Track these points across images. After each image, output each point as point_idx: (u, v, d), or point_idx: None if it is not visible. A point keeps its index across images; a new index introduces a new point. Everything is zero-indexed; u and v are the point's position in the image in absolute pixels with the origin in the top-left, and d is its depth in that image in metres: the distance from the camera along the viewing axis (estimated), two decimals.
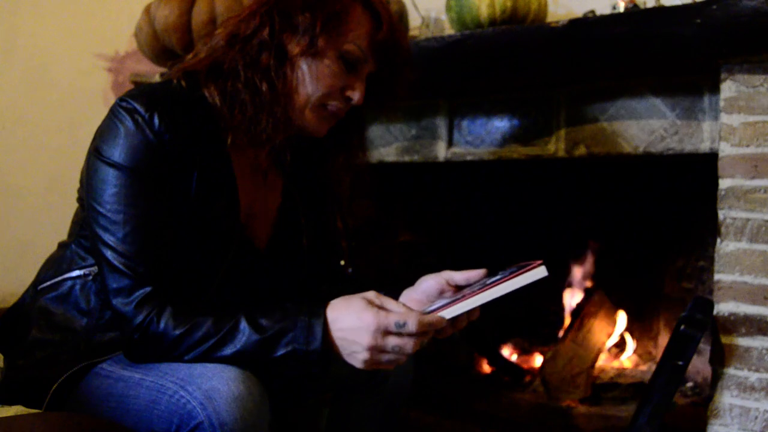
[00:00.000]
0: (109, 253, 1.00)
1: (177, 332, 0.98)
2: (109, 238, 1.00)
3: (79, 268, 1.11)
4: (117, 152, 1.01)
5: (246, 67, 1.07)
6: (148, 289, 0.99)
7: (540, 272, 0.93)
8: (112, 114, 1.04)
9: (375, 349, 0.95)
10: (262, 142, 1.11)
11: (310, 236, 1.25)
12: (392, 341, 0.95)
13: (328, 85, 1.09)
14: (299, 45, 1.07)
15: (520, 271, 0.94)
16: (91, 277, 1.10)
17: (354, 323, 0.96)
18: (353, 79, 1.12)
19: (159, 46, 1.87)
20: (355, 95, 1.12)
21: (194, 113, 1.06)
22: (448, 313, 0.97)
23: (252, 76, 1.07)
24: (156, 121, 1.01)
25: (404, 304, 0.99)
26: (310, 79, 1.09)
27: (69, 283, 1.11)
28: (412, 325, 0.94)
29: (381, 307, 0.97)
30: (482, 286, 1.00)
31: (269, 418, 0.97)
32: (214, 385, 0.93)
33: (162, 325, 0.98)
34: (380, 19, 1.11)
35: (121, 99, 1.04)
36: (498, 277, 1.01)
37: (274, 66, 1.07)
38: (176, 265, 1.04)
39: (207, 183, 1.07)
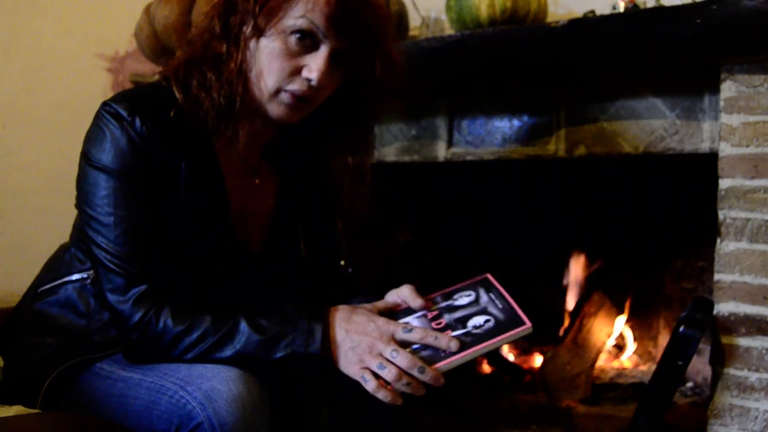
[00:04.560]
0: (102, 255, 1.01)
1: (176, 331, 0.98)
2: (101, 241, 1.01)
3: (78, 272, 1.12)
4: (104, 156, 1.01)
5: (200, 59, 1.07)
6: (143, 287, 1.00)
7: (528, 329, 0.98)
8: (98, 119, 1.04)
9: (375, 348, 0.97)
10: (221, 132, 1.09)
11: (307, 238, 1.25)
12: (392, 347, 0.96)
13: (280, 66, 1.05)
14: (246, 29, 1.05)
15: (509, 332, 0.98)
16: (89, 281, 1.10)
17: (363, 322, 0.99)
18: (309, 57, 1.05)
19: (159, 46, 1.87)
20: (312, 74, 1.05)
21: (180, 114, 1.06)
22: (443, 367, 0.97)
23: (202, 66, 1.07)
24: (138, 123, 1.02)
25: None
26: (263, 63, 1.05)
27: (69, 287, 1.12)
28: (416, 333, 0.98)
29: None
30: (437, 309, 1.05)
31: (269, 419, 0.97)
32: (214, 385, 0.93)
33: (161, 323, 0.98)
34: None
35: (104, 104, 1.04)
36: (454, 302, 1.06)
37: (227, 55, 1.06)
38: (170, 266, 1.04)
39: (195, 183, 1.07)
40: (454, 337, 0.97)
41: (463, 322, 1.01)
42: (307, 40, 1.05)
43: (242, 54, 1.06)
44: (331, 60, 1.06)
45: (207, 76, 1.06)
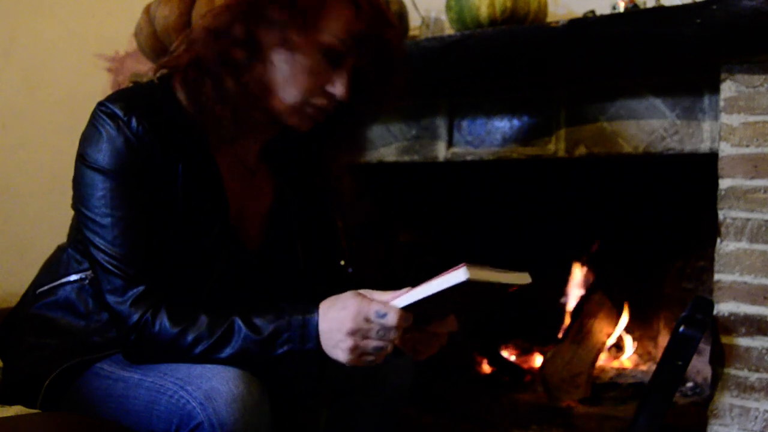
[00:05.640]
0: (100, 256, 1.01)
1: (173, 332, 0.98)
2: (99, 242, 1.01)
3: (76, 272, 1.12)
4: (100, 156, 1.01)
5: (215, 63, 1.04)
6: (141, 288, 1.00)
7: (460, 275, 0.90)
8: (93, 119, 1.04)
9: (357, 335, 0.94)
10: (229, 140, 1.09)
11: (304, 236, 1.25)
12: (375, 328, 0.94)
13: (307, 82, 1.06)
14: (272, 39, 1.04)
15: (442, 274, 0.92)
16: (87, 281, 1.10)
17: (337, 312, 0.96)
18: (334, 74, 1.07)
19: (159, 46, 1.87)
20: (337, 90, 1.07)
21: (175, 113, 1.06)
22: (401, 300, 0.95)
23: (219, 72, 1.04)
24: (134, 123, 1.01)
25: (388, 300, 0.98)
26: (287, 76, 1.05)
27: (67, 288, 1.12)
28: (391, 318, 0.93)
29: (365, 297, 0.96)
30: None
31: (269, 419, 0.97)
32: (214, 385, 0.93)
33: (157, 326, 0.98)
34: (360, 8, 1.07)
35: (100, 104, 1.04)
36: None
37: (246, 62, 1.04)
38: (168, 267, 1.04)
39: (192, 184, 1.06)
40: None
41: None
42: (334, 57, 1.06)
43: (267, 65, 1.05)
44: (352, 75, 1.09)
45: (225, 84, 1.05)
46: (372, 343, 0.95)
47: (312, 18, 1.04)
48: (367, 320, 0.94)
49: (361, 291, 0.99)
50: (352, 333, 0.94)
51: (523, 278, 1.04)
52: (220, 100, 1.04)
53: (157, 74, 1.10)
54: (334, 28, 1.05)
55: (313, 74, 1.06)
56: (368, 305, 0.94)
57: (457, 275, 0.90)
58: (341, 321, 0.95)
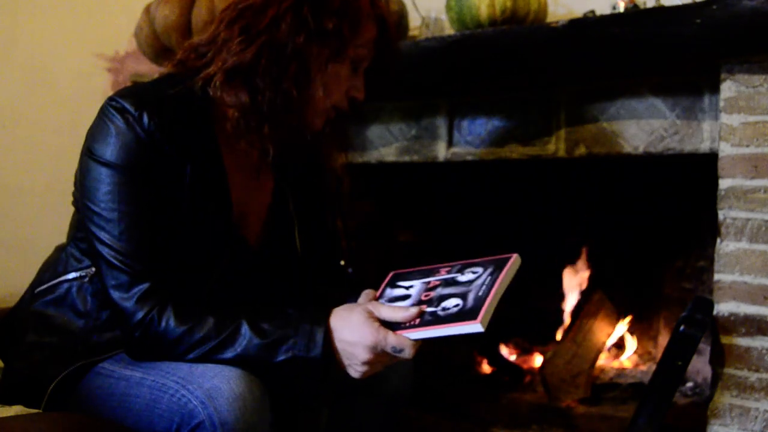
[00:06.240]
0: (105, 251, 1.00)
1: (178, 332, 0.98)
2: (104, 236, 1.00)
3: (75, 270, 1.11)
4: (109, 151, 1.01)
5: (270, 72, 1.04)
6: (146, 284, 1.00)
7: (476, 327, 0.94)
8: (103, 114, 1.04)
9: (370, 364, 0.98)
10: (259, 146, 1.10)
11: (302, 235, 1.25)
12: (387, 359, 0.99)
13: (340, 90, 1.10)
14: (326, 51, 1.05)
15: (458, 322, 0.96)
16: (87, 279, 1.10)
17: (354, 337, 0.98)
18: (356, 78, 1.12)
19: (159, 46, 1.87)
20: (359, 94, 1.13)
21: (185, 110, 1.06)
22: (415, 335, 0.98)
23: (264, 79, 1.04)
24: (145, 119, 1.01)
25: (400, 308, 1.01)
26: (327, 86, 1.08)
27: (65, 285, 1.12)
28: (407, 353, 0.97)
29: (381, 323, 0.99)
30: (440, 280, 1.06)
31: (270, 418, 0.97)
32: (216, 384, 0.93)
33: (163, 324, 0.98)
34: (386, 25, 1.13)
35: (110, 98, 1.04)
36: (459, 276, 1.06)
37: (301, 73, 1.05)
38: (172, 264, 1.04)
39: (199, 182, 1.07)
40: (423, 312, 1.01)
41: (441, 300, 1.02)
42: (358, 64, 1.11)
43: (308, 75, 1.06)
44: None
45: (267, 91, 1.05)
46: (383, 365, 1.00)
47: (355, 31, 1.07)
48: (384, 352, 0.98)
49: (370, 307, 1.01)
50: (368, 362, 0.98)
51: (515, 264, 1.06)
52: (261, 105, 1.05)
53: (171, 70, 1.10)
54: (365, 41, 1.10)
55: (345, 82, 1.11)
56: (385, 339, 0.97)
57: (474, 327, 0.94)
58: (358, 349, 0.98)
